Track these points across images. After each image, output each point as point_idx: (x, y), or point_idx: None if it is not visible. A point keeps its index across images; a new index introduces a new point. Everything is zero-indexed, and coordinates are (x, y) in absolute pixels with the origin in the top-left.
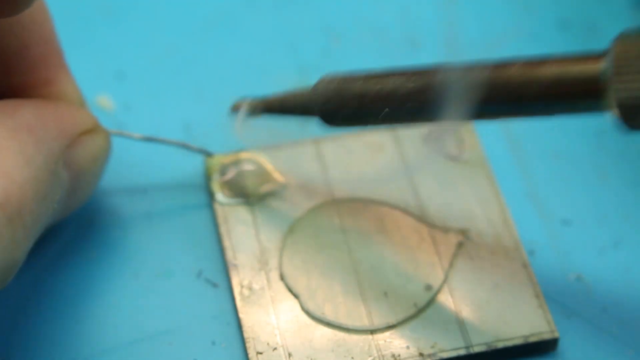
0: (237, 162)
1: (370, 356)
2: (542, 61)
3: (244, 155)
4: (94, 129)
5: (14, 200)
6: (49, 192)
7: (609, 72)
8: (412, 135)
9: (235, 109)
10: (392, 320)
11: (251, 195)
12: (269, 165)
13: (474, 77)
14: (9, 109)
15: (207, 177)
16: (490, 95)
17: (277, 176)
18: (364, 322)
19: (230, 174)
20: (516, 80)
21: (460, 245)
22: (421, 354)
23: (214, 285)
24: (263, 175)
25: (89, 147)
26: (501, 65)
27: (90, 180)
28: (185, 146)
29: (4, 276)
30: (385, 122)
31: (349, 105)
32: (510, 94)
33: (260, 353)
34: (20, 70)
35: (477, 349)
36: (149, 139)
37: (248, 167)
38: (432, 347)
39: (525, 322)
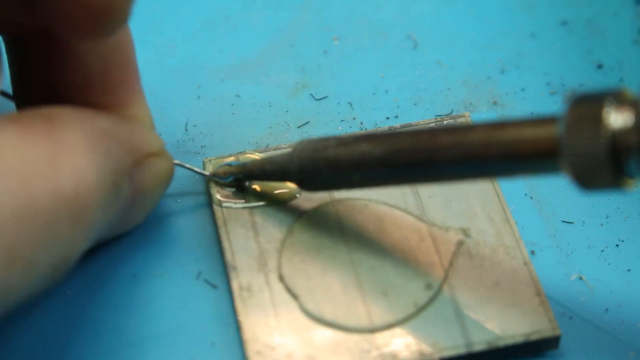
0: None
1: (370, 356)
2: (502, 124)
3: (243, 156)
4: (161, 153)
5: (82, 199)
6: (111, 202)
7: (562, 135)
8: None
9: (215, 175)
10: (392, 319)
11: (252, 196)
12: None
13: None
14: (88, 115)
15: (206, 179)
16: (456, 157)
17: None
18: (364, 322)
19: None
20: (479, 143)
21: (460, 244)
22: (421, 353)
23: (213, 286)
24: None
25: (154, 170)
26: (465, 128)
27: (149, 202)
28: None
29: (55, 272)
30: (358, 186)
31: (322, 171)
32: (474, 155)
33: (260, 353)
34: (100, 91)
35: (477, 348)
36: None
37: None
38: (433, 346)
39: (526, 320)
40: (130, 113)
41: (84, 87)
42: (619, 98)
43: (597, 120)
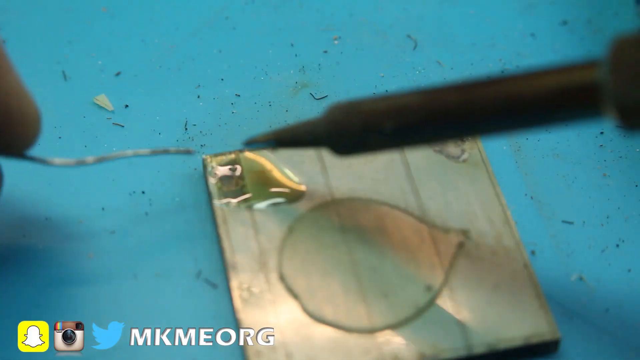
0: (236, 162)
1: (370, 356)
2: (540, 72)
3: (243, 155)
4: None
5: None
6: None
7: (606, 76)
8: None
9: (249, 143)
10: (392, 320)
11: (252, 195)
12: (269, 165)
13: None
14: None
15: (206, 177)
16: (493, 109)
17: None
18: (364, 323)
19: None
20: (516, 92)
21: (460, 245)
22: (421, 355)
23: (214, 285)
24: (264, 175)
25: None
26: (499, 78)
27: None
28: (162, 152)
29: None
30: (389, 143)
31: (354, 123)
32: (512, 105)
33: (260, 353)
34: None
35: (477, 350)
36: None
37: (247, 167)
38: (433, 347)
39: (526, 323)
40: None
41: None
42: None
43: None
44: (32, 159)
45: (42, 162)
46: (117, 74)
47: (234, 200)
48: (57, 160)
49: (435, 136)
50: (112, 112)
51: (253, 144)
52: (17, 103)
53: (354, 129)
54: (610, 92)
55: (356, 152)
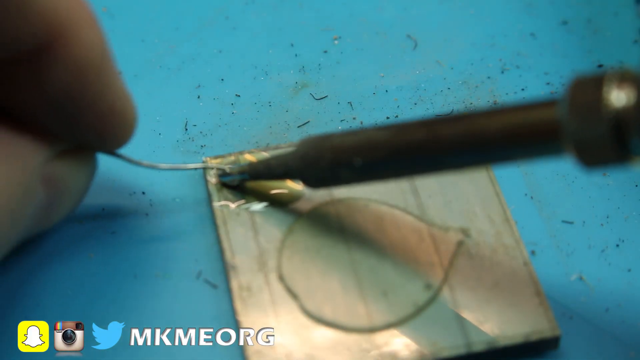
0: (236, 163)
1: (369, 356)
2: (504, 108)
3: (243, 156)
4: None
5: None
6: (19, 206)
7: (565, 114)
8: None
9: (223, 176)
10: (391, 319)
11: (252, 196)
12: None
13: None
14: None
15: (206, 178)
16: (459, 145)
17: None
18: (364, 322)
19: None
20: (480, 128)
21: (460, 244)
22: (421, 353)
23: (213, 286)
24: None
25: (72, 164)
26: (464, 115)
27: (72, 197)
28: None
29: None
30: (360, 177)
31: (324, 157)
32: (476, 141)
33: (260, 353)
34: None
35: (477, 348)
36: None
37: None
38: (432, 346)
39: (526, 320)
40: None
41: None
42: (619, 76)
43: (598, 100)
44: (121, 157)
45: (132, 161)
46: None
47: (234, 201)
48: (145, 162)
49: (403, 170)
50: None
51: (228, 176)
52: (121, 105)
53: (325, 164)
54: (568, 129)
55: (328, 185)
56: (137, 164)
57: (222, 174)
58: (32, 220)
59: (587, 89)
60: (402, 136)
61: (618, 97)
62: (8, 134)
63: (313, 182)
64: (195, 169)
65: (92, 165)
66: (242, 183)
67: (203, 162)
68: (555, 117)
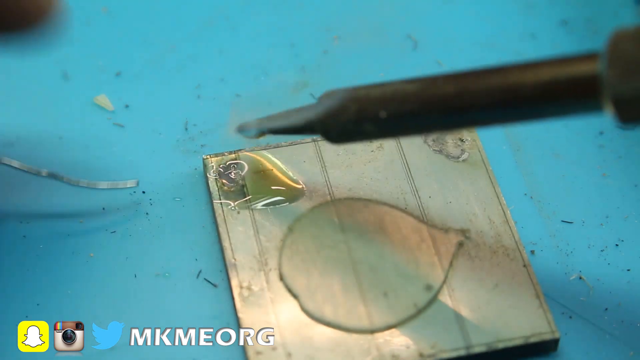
0: (236, 162)
1: (369, 356)
2: (540, 63)
3: (243, 154)
4: None
5: None
6: None
7: (604, 69)
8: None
9: (241, 129)
10: (392, 320)
11: (252, 194)
12: (269, 165)
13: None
14: None
15: (206, 177)
16: (490, 99)
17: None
18: (364, 322)
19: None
20: (515, 83)
21: (460, 245)
22: (421, 354)
23: (214, 285)
24: (264, 175)
25: None
26: (498, 69)
27: None
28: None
29: None
30: (384, 131)
31: (349, 109)
32: (510, 96)
33: (260, 353)
34: None
35: (477, 349)
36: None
37: (247, 167)
38: (432, 347)
39: (525, 322)
40: None
41: None
42: None
43: None
44: (57, 177)
45: (70, 182)
46: (117, 74)
47: (234, 200)
48: (83, 182)
49: (429, 125)
50: (112, 112)
51: (246, 129)
52: None
53: (349, 116)
54: (608, 83)
55: (350, 140)
56: (75, 184)
57: (241, 128)
58: None
59: (629, 42)
60: (431, 89)
61: None
62: None
63: (335, 135)
64: (132, 187)
65: None
66: (260, 135)
67: (203, 160)
68: (595, 72)
